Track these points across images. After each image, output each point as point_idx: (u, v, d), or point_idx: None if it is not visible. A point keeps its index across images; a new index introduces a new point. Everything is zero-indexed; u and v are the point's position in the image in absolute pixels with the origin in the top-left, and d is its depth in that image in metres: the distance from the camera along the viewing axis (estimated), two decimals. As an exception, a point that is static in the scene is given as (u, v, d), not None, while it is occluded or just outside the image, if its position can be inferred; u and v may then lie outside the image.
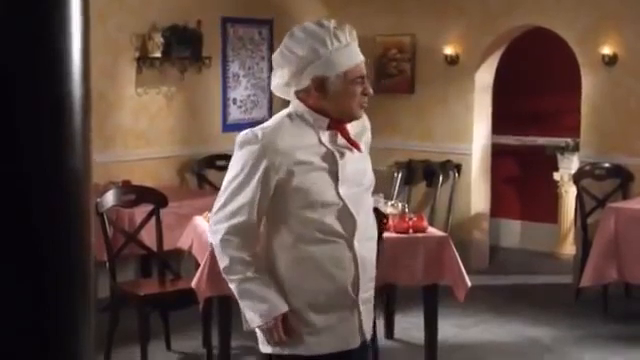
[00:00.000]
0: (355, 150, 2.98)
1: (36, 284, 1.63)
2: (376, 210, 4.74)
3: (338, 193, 2.91)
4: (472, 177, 7.95)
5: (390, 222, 4.98)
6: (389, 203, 5.36)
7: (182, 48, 7.19)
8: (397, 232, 4.99)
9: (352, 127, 3.03)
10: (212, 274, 4.63)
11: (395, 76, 8.08)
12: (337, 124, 2.95)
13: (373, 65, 8.13)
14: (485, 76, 7.93)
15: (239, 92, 7.78)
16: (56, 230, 1.64)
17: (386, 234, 4.76)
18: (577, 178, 7.03)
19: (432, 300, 5.08)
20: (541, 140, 8.65)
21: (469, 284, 4.93)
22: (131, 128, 7.05)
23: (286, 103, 3.04)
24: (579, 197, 6.98)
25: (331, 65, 2.89)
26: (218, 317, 4.90)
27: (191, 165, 7.42)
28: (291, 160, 2.87)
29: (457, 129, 7.94)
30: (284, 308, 2.91)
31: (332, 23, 2.93)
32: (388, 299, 5.82)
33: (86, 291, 1.71)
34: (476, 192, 8.01)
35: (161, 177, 7.17)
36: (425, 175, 8.10)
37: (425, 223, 5.12)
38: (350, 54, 2.92)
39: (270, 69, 7.86)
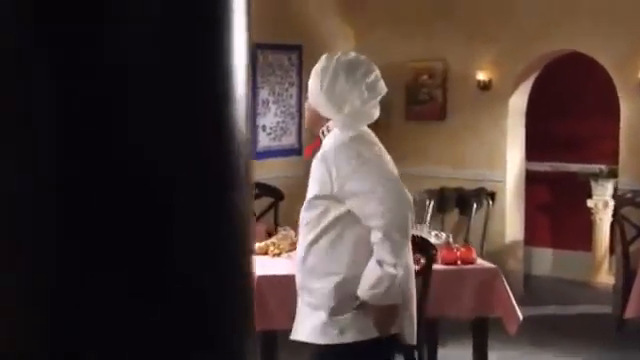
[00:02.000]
0: None
1: (203, 288, 1.67)
2: (425, 241, 4.62)
3: None
4: (506, 205, 7.77)
5: (438, 253, 4.81)
6: (432, 233, 5.20)
7: (212, 75, 7.07)
8: (445, 264, 4.83)
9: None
10: (258, 308, 4.46)
11: (426, 102, 7.94)
12: None
13: (404, 91, 8.00)
14: (519, 101, 7.78)
15: (269, 119, 7.64)
16: (225, 233, 1.71)
17: (435, 266, 4.59)
18: (618, 205, 6.85)
19: (482, 333, 4.92)
20: (574, 167, 8.49)
21: (521, 317, 4.78)
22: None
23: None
24: (619, 225, 6.80)
25: None
26: (261, 355, 4.72)
27: (221, 194, 7.26)
28: None
29: (490, 156, 7.78)
30: None
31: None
32: (430, 333, 5.62)
33: (247, 293, 1.77)
34: (510, 220, 7.83)
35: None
36: (458, 203, 7.93)
37: (474, 254, 4.95)
38: None
39: (300, 95, 7.84)
